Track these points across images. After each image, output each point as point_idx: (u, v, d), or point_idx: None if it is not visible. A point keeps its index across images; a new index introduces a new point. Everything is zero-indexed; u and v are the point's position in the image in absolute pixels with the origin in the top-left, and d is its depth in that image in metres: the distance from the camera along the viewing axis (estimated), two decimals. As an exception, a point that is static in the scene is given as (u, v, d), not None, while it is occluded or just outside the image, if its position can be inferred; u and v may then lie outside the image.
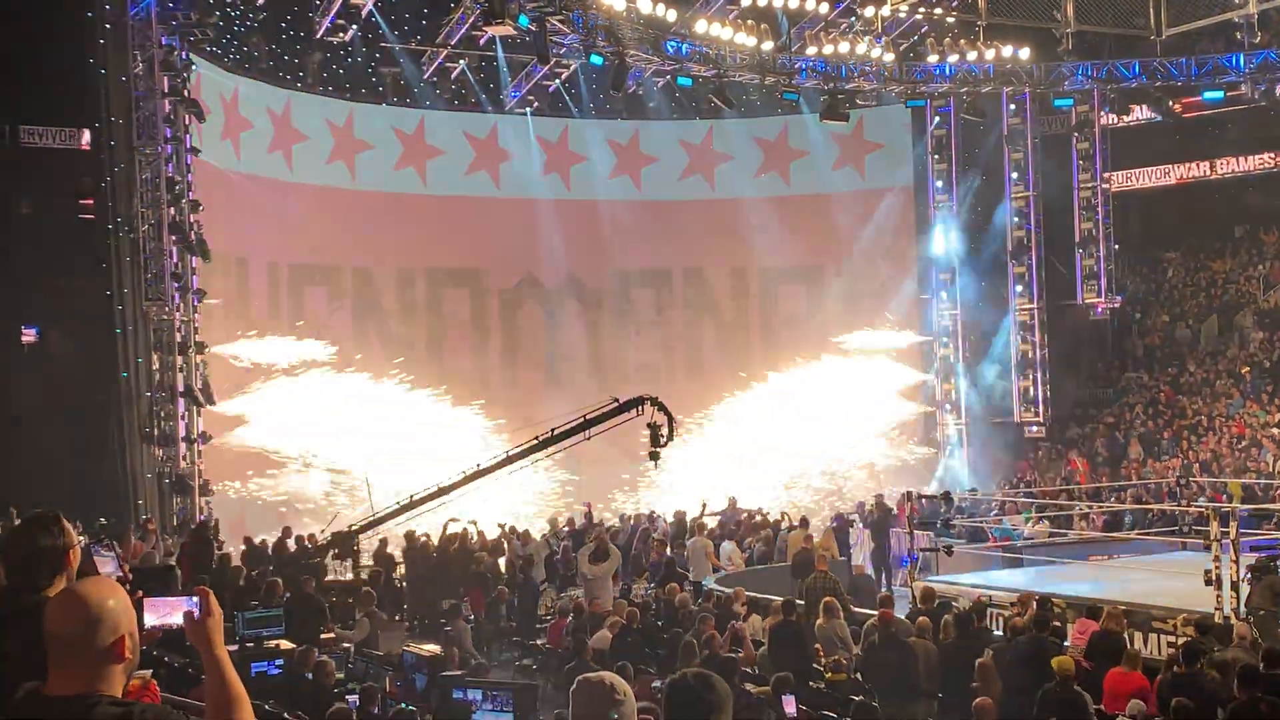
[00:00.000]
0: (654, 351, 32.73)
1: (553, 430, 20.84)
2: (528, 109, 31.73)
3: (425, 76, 30.26)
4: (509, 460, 21.28)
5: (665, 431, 19.99)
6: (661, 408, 20.13)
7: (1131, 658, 12.54)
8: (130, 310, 23.93)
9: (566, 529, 25.44)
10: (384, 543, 22.02)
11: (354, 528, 21.81)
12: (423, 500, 21.61)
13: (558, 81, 31.15)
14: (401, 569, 22.19)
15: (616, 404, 20.43)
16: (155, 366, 23.95)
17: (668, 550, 22.40)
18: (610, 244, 32.03)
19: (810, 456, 32.25)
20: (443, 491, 21.49)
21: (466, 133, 31.53)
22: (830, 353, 33.39)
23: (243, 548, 21.95)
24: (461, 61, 30.25)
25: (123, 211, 23.95)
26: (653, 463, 20.61)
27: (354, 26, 28.25)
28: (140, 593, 3.83)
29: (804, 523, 23.22)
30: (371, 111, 30.32)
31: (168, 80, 24.26)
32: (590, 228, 31.73)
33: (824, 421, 32.19)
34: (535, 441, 21.16)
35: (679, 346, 33.47)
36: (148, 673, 5.34)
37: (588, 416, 20.52)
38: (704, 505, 25.89)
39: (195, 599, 3.71)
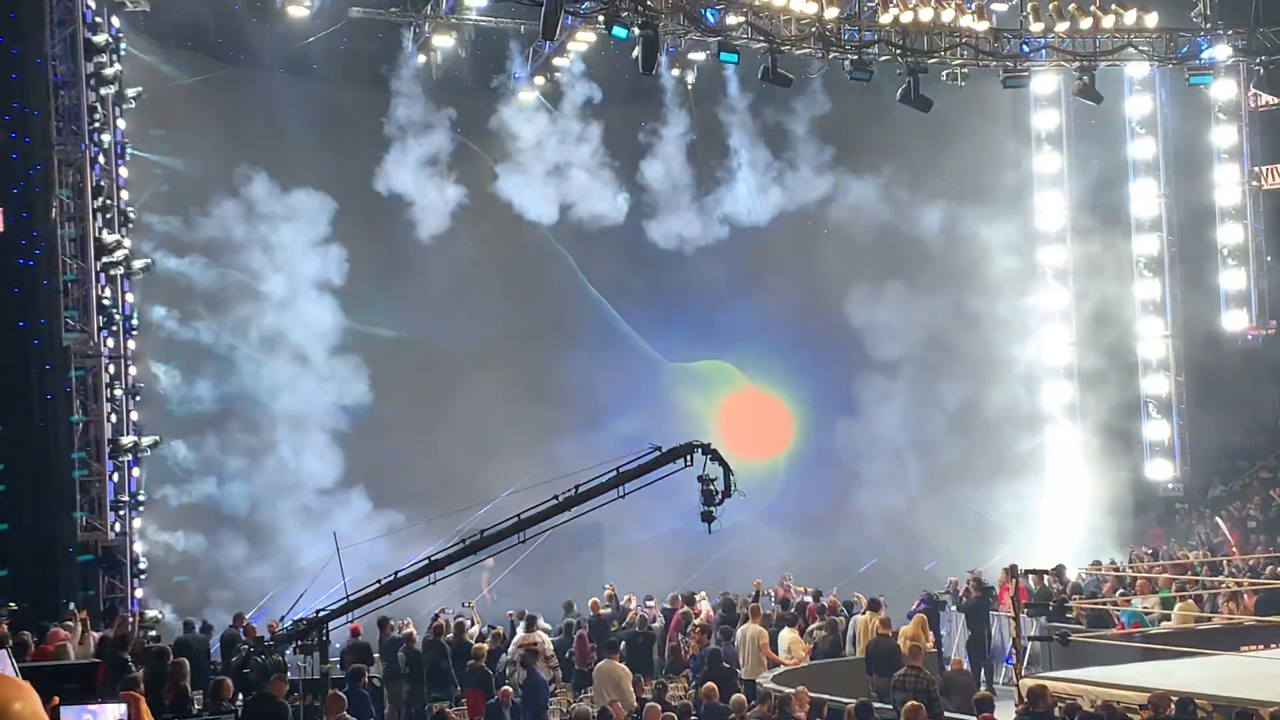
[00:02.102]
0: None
1: (576, 487, 20.74)
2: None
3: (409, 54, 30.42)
4: (520, 526, 21.16)
5: (720, 486, 19.89)
6: (716, 457, 20.05)
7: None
8: (48, 345, 24.03)
9: (591, 614, 25.34)
10: (354, 632, 21.95)
11: (322, 613, 21.73)
12: (410, 578, 21.51)
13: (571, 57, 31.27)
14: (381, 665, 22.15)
15: (658, 452, 20.34)
16: (78, 414, 24.01)
17: (711, 640, 22.31)
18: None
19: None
20: (435, 566, 21.39)
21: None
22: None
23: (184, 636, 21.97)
24: (451, 36, 30.33)
25: (39, 224, 24.08)
26: (706, 526, 20.50)
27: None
28: (56, 698, 3.82)
29: (874, 605, 23.06)
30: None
31: (92, 64, 24.42)
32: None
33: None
34: (554, 501, 21.05)
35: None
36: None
37: (621, 469, 20.42)
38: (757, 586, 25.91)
39: (123, 706, 3.69)
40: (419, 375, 30.48)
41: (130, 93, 25.79)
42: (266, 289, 29.47)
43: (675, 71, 32.33)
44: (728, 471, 20.07)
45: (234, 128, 28.97)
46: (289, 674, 20.24)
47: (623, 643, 22.32)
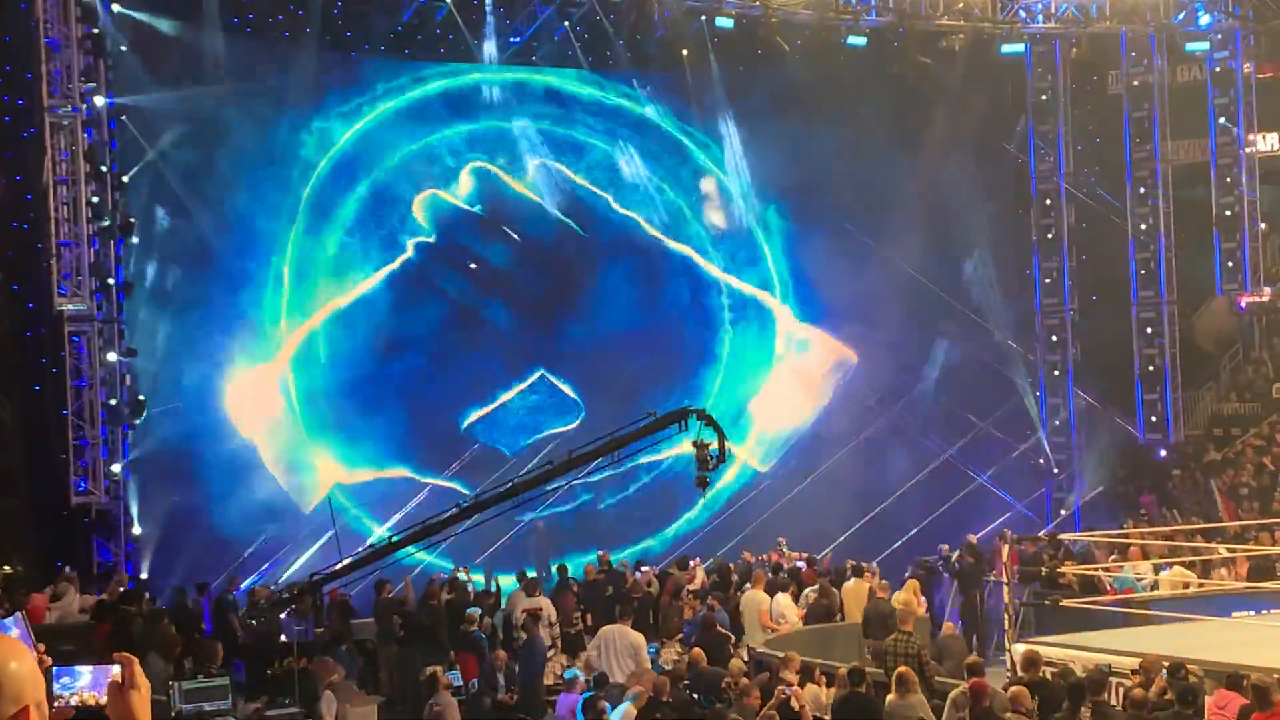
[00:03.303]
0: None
1: (571, 452, 20.86)
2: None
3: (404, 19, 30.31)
4: (515, 490, 21.27)
5: (714, 451, 19.98)
6: (710, 423, 20.14)
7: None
8: (41, 309, 24.02)
9: (584, 578, 25.48)
10: (332, 597, 21.99)
11: (317, 576, 21.83)
12: (406, 541, 21.63)
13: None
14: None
15: (653, 418, 20.44)
16: (72, 378, 24.01)
17: (702, 606, 22.39)
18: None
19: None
20: (430, 530, 21.51)
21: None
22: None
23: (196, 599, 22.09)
24: (448, 1, 30.25)
25: (32, 188, 24.06)
26: (700, 491, 20.63)
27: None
28: (49, 660, 3.84)
29: (858, 571, 23.14)
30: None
31: (84, 26, 24.34)
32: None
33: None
34: (549, 467, 21.14)
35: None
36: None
37: (617, 434, 20.52)
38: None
39: (117, 667, 3.70)
40: (429, 340, 30.41)
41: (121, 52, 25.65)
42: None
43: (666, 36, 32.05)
44: (722, 437, 20.16)
45: (228, 88, 28.78)
46: (282, 637, 20.38)
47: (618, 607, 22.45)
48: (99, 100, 24.77)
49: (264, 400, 28.77)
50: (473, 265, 31.28)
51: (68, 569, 22.09)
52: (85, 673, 3.84)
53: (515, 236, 31.44)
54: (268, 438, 28.74)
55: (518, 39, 31.36)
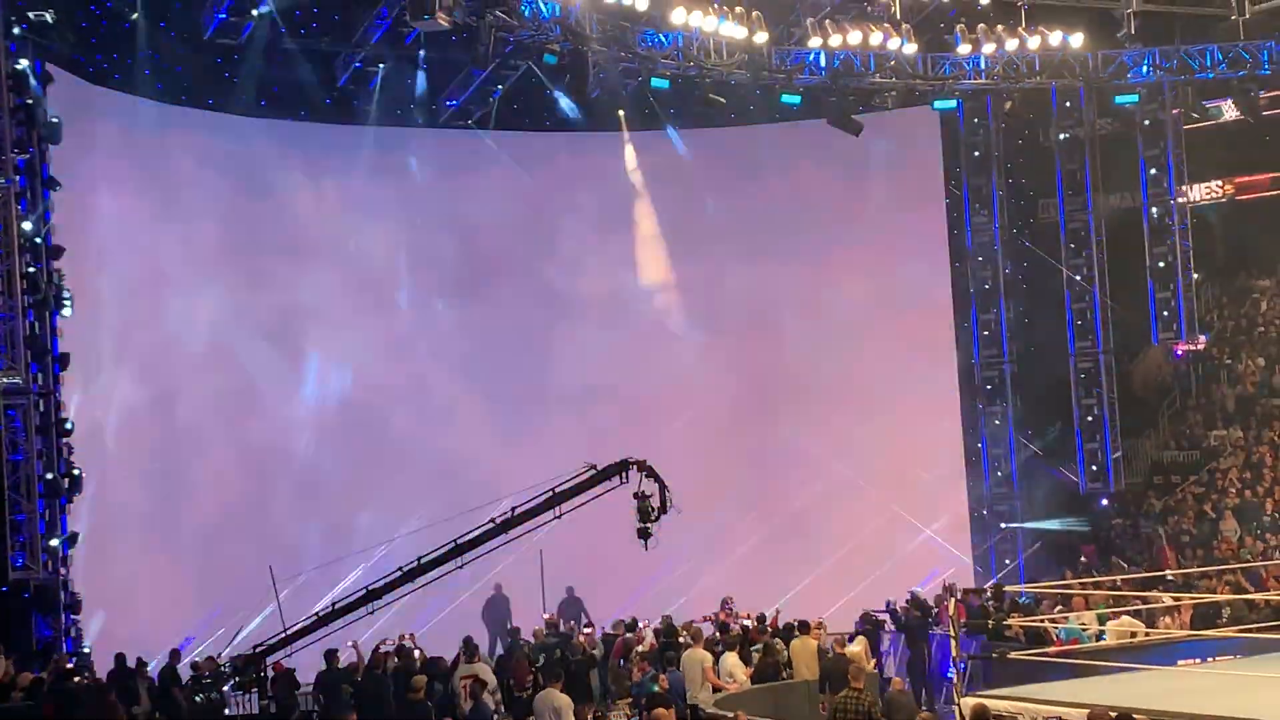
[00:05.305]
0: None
1: (513, 509, 20.83)
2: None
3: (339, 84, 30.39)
4: (457, 551, 21.21)
5: (656, 503, 19.98)
6: (651, 474, 20.17)
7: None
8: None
9: (531, 640, 25.35)
10: (278, 669, 21.78)
11: (260, 648, 21.67)
12: (347, 609, 21.50)
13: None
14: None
15: (594, 471, 20.45)
16: (8, 452, 23.76)
17: (651, 667, 22.31)
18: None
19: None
20: (372, 595, 21.40)
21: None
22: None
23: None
24: (382, 66, 30.37)
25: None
26: (642, 543, 20.59)
27: (248, 26, 28.27)
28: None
29: (804, 626, 23.11)
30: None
31: (13, 97, 24.21)
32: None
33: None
34: (491, 525, 21.10)
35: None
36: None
37: (557, 489, 20.53)
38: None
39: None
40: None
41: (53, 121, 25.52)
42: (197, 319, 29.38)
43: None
44: (663, 488, 20.20)
45: (166, 161, 28.76)
46: (227, 710, 20.18)
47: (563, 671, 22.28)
48: (32, 173, 24.66)
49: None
50: None
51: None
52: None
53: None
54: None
55: (453, 102, 31.51)
